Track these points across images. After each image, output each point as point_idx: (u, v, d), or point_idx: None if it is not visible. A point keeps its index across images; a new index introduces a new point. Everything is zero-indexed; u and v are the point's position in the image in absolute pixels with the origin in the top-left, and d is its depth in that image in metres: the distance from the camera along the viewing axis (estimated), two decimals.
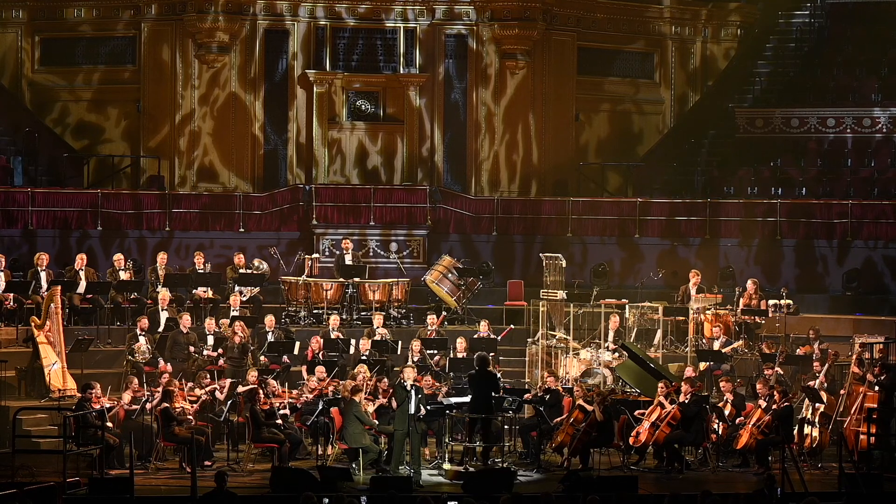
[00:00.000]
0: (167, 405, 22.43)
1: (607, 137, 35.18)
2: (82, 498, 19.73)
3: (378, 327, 26.27)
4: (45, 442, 22.73)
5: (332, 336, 25.95)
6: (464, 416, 22.52)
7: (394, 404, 22.50)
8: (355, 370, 23.91)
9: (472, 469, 22.06)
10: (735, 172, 33.18)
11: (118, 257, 27.93)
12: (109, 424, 21.97)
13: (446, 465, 22.61)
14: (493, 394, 22.59)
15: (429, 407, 22.75)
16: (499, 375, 23.80)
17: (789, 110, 34.00)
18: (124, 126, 33.56)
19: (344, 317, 27.86)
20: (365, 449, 22.29)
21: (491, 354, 25.70)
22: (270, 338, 26.01)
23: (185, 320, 25.60)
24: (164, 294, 26.49)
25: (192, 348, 25.27)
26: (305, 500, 17.25)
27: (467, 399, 22.74)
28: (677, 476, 22.57)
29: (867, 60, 34.98)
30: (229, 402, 23.29)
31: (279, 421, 22.67)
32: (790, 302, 27.89)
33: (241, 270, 28.13)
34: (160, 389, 22.88)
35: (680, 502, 18.14)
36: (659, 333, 27.22)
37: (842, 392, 24.05)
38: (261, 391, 22.88)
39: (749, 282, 28.11)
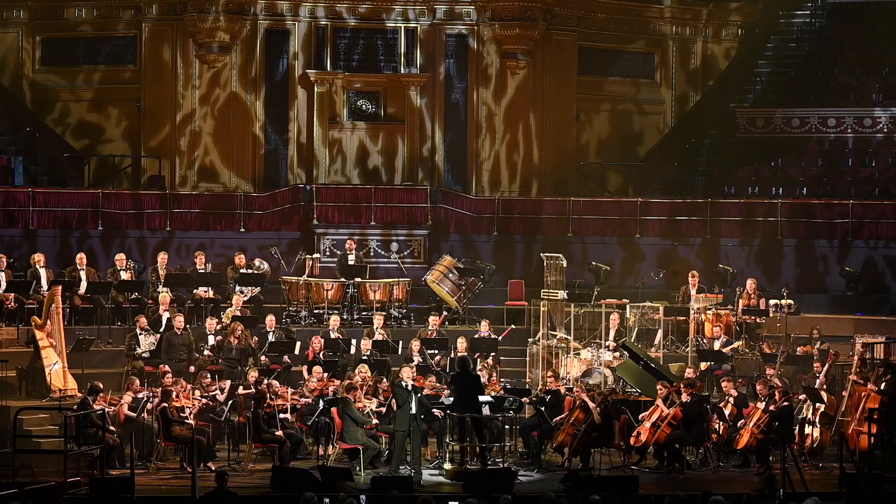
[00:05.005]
0: (165, 405, 22.42)
1: (608, 137, 35.16)
2: (83, 498, 19.71)
3: (378, 328, 26.26)
4: (45, 442, 22.70)
5: (332, 336, 25.95)
6: (462, 416, 22.47)
7: (393, 405, 22.47)
8: (356, 370, 23.89)
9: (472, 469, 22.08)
10: (735, 172, 33.18)
11: (120, 257, 27.91)
12: (112, 429, 21.98)
13: (447, 465, 22.59)
14: (478, 395, 22.52)
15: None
16: (482, 377, 23.71)
17: (790, 110, 34.00)
18: (125, 126, 33.54)
19: (345, 317, 27.86)
20: (364, 445, 22.28)
21: (492, 354, 25.75)
22: (271, 338, 26.00)
23: (178, 321, 25.53)
24: (164, 296, 26.46)
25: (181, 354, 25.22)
26: (306, 500, 17.24)
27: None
28: (678, 476, 22.54)
29: (868, 60, 34.99)
30: (230, 402, 23.28)
31: (279, 431, 22.58)
32: (791, 302, 27.90)
33: (241, 270, 28.11)
34: (161, 389, 22.88)
35: (680, 502, 18.12)
36: (659, 333, 27.22)
37: (844, 393, 24.03)
38: (268, 393, 22.83)
39: (748, 281, 28.13)
